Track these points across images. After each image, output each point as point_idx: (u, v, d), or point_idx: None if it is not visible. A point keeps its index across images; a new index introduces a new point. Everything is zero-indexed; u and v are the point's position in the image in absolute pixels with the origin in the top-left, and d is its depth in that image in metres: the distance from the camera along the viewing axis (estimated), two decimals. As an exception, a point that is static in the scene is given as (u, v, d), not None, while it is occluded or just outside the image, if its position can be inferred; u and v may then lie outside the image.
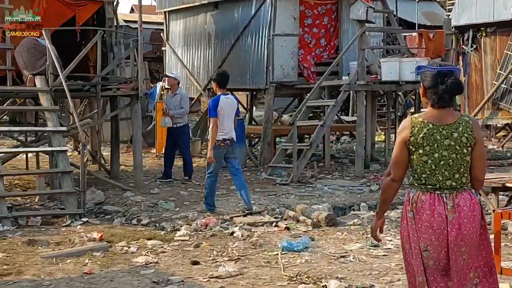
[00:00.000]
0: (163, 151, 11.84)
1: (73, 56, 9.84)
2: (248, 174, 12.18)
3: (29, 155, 11.52)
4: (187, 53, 15.95)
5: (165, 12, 16.95)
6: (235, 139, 8.74)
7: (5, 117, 18.43)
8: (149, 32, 29.25)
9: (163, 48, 17.85)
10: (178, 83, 11.46)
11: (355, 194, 10.19)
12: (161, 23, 18.40)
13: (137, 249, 6.81)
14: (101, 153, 12.97)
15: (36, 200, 9.32)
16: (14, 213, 8.00)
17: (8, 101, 12.46)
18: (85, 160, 8.38)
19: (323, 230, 7.75)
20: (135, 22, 32.79)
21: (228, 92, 9.01)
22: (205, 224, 7.96)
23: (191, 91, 15.76)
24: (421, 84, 3.80)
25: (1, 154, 8.39)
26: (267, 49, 13.03)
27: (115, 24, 11.61)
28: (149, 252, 6.70)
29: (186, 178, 11.11)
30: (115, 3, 11.33)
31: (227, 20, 14.50)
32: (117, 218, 8.41)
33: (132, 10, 41.56)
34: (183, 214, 8.47)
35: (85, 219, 8.09)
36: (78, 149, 15.16)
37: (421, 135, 3.68)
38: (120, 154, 12.05)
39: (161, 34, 17.46)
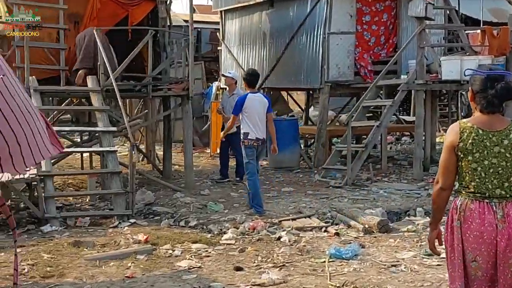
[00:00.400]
0: (218, 151, 11.73)
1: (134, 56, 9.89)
2: (301, 175, 11.96)
3: (84, 154, 11.65)
4: (242, 53, 15.83)
5: (221, 12, 16.89)
6: (265, 138, 8.79)
7: (68, 116, 18.83)
8: (208, 32, 29.55)
9: (219, 48, 17.82)
10: (236, 83, 11.27)
11: (412, 198, 9.78)
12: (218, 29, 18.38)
13: (181, 253, 6.70)
14: (156, 153, 13.00)
15: (87, 200, 9.37)
16: (62, 214, 8.04)
17: (67, 101, 12.67)
18: (134, 160, 8.33)
19: (374, 237, 7.44)
20: (195, 22, 33.14)
21: (257, 90, 9.08)
22: (252, 228, 7.80)
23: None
24: (470, 88, 3.61)
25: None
26: (322, 48, 12.74)
27: (169, 23, 11.59)
28: (193, 256, 6.58)
29: (238, 179, 10.95)
30: (168, 2, 11.30)
31: (282, 18, 14.29)
32: (165, 219, 8.34)
33: (193, 10, 42.16)
34: (231, 217, 8.32)
35: (132, 220, 8.05)
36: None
37: (470, 141, 3.48)
38: (174, 154, 12.07)
39: (217, 33, 17.39)
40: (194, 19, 30.63)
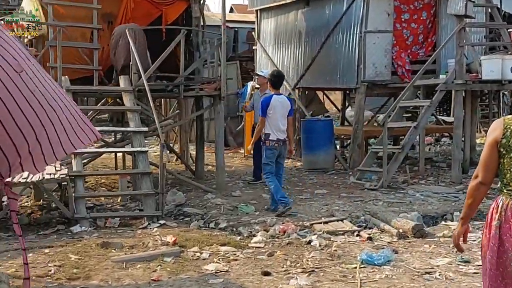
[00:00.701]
0: (252, 152, 11.55)
1: (168, 56, 9.84)
2: (335, 177, 11.75)
3: (118, 154, 11.67)
4: (277, 52, 15.68)
5: (256, 11, 16.75)
6: (287, 140, 8.77)
7: (105, 115, 18.96)
8: (245, 31, 29.44)
9: (254, 47, 17.70)
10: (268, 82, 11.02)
11: (450, 201, 9.48)
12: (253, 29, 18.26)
13: (209, 256, 6.59)
14: (190, 153, 12.96)
15: (118, 200, 9.36)
16: (92, 214, 8.02)
17: (103, 101, 12.72)
18: (164, 161, 8.26)
19: (409, 242, 7.20)
20: (233, 21, 33.06)
21: (281, 92, 9.11)
22: (282, 231, 7.64)
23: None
24: None
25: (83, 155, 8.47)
26: (358, 47, 12.50)
27: (202, 23, 11.52)
28: (220, 259, 6.45)
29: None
30: (201, 2, 11.23)
31: (318, 17, 14.09)
32: (195, 221, 8.26)
33: (231, 10, 42.06)
34: (261, 219, 8.19)
35: (162, 222, 7.98)
36: (170, 148, 15.38)
37: None
38: (208, 154, 11.99)
39: (253, 33, 17.28)
40: (231, 19, 30.63)
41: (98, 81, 9.98)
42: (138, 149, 8.50)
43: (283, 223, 7.92)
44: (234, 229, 7.90)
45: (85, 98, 14.01)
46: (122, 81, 9.32)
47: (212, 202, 9.07)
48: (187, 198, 9.34)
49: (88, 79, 10.01)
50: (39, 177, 7.56)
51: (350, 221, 8.17)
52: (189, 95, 10.18)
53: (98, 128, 10.32)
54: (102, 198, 9.43)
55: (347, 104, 16.12)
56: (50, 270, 5.93)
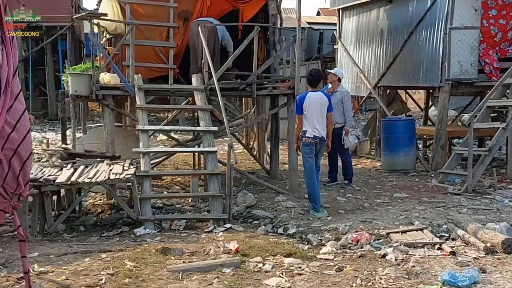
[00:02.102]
0: (327, 153, 10.43)
1: (249, 55, 8.99)
2: (416, 179, 10.46)
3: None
4: (358, 51, 14.45)
5: (338, 10, 15.58)
6: (325, 137, 8.03)
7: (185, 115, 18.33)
8: (330, 32, 28.31)
9: (335, 47, 16.55)
10: (339, 80, 9.91)
11: (544, 210, 8.04)
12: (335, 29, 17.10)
13: (271, 267, 5.62)
14: (267, 151, 12.02)
15: (189, 200, 8.57)
16: (157, 216, 7.24)
17: (186, 100, 12.05)
18: (232, 161, 7.37)
19: (498, 258, 5.93)
20: (319, 23, 31.85)
21: (317, 89, 8.17)
22: (355, 240, 6.56)
23: (361, 90, 14.25)
24: None
25: (152, 155, 7.74)
26: (443, 44, 11.10)
27: (280, 21, 10.54)
28: (284, 273, 5.47)
29: (346, 182, 9.70)
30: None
31: (400, 14, 12.76)
32: (263, 225, 7.33)
33: (318, 13, 40.88)
34: (333, 226, 7.12)
35: (228, 225, 7.09)
36: (250, 146, 14.51)
37: None
38: (285, 153, 11.02)
39: (335, 32, 16.11)
40: (317, 21, 29.28)
41: (174, 80, 9.27)
42: (207, 149, 7.66)
43: (356, 231, 6.83)
44: (303, 236, 6.91)
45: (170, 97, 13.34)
46: (194, 80, 8.52)
47: (282, 205, 8.08)
48: (258, 199, 8.42)
49: (165, 78, 9.29)
50: (104, 177, 6.88)
51: (431, 231, 6.96)
52: (262, 94, 9.22)
53: (167, 127, 9.56)
54: (174, 198, 8.67)
55: (430, 103, 14.67)
56: (101, 279, 5.16)
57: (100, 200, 8.50)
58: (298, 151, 8.22)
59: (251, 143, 14.37)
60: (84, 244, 6.35)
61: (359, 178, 10.32)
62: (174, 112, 12.60)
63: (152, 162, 9.66)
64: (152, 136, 12.34)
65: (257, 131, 12.43)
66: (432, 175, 10.69)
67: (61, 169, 7.40)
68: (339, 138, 9.40)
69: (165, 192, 8.65)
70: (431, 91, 13.92)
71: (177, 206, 8.30)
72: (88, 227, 7.18)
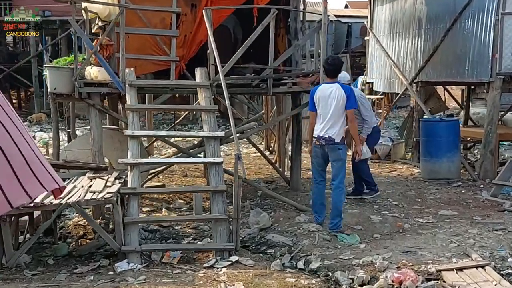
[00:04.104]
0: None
1: (266, 46, 7.40)
2: (462, 191, 8.75)
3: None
4: (392, 43, 12.72)
5: (369, -2, 13.87)
6: (335, 138, 6.36)
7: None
8: (359, 26, 26.64)
9: (366, 38, 14.85)
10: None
11: None
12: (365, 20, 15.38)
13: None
14: (288, 155, 10.41)
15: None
16: (145, 246, 5.65)
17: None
18: (240, 175, 5.79)
19: None
20: (346, 16, 30.16)
21: (335, 80, 6.49)
22: (397, 281, 4.97)
23: (395, 86, 12.53)
24: None
25: (143, 167, 6.18)
26: (493, 32, 9.33)
27: (302, 6, 8.92)
28: (302, 339, 3.91)
29: (366, 191, 7.96)
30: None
31: (441, 0, 11.01)
32: (279, 256, 5.77)
33: (346, 6, 39.05)
34: (368, 259, 5.51)
35: (234, 258, 5.52)
36: (270, 148, 12.94)
37: None
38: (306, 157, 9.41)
39: (366, 22, 14.39)
40: (344, 14, 27.60)
41: (179, 75, 7.76)
42: (211, 159, 6.10)
43: (398, 268, 5.23)
44: (330, 274, 5.32)
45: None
46: (198, 75, 6.98)
47: (304, 228, 6.46)
48: (274, 219, 6.84)
49: (169, 72, 7.76)
50: (79, 196, 5.39)
51: (494, 267, 5.31)
52: (279, 91, 7.59)
53: (162, 133, 8.04)
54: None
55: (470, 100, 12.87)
56: None
57: (83, 221, 7.01)
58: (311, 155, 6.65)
59: (272, 145, 12.81)
60: (47, 286, 4.86)
61: (396, 189, 8.66)
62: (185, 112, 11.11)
63: (154, 170, 8.18)
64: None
65: (278, 132, 10.86)
66: (481, 186, 8.99)
67: (33, 184, 5.93)
68: (370, 142, 7.69)
69: (157, 214, 7.00)
70: (472, 87, 12.17)
71: (175, 228, 6.75)
72: (59, 259, 5.69)
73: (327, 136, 6.39)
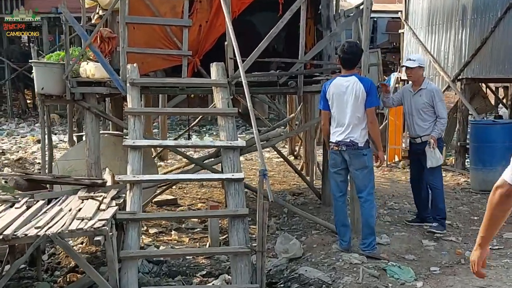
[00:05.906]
0: (410, 180, 7.13)
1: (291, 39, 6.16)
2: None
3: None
4: (431, 36, 11.37)
5: (404, -13, 12.52)
6: (359, 142, 5.22)
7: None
8: (385, 21, 25.40)
9: (400, 31, 13.52)
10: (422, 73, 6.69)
11: None
12: (398, 12, 14.03)
13: None
14: (316, 163, 9.17)
15: (207, 245, 5.83)
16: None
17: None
18: (265, 197, 4.56)
19: None
20: (372, 11, 29.07)
21: (352, 73, 5.32)
22: None
23: (435, 83, 11.15)
24: None
25: (144, 184, 4.95)
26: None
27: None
28: None
29: (435, 225, 6.16)
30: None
31: (490, -14, 9.66)
32: (314, 299, 4.54)
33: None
34: (429, 307, 4.26)
35: (258, 303, 4.31)
36: (295, 153, 11.69)
37: None
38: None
39: (400, 14, 13.01)
40: (374, 9, 26.25)
41: (193, 72, 6.58)
42: (229, 176, 4.88)
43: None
44: (383, 328, 4.07)
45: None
46: (214, 71, 5.76)
47: (344, 259, 5.20)
48: (306, 246, 5.60)
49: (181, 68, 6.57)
50: (62, 225, 4.21)
51: None
52: (311, 90, 6.31)
53: (169, 142, 6.85)
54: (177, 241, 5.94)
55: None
56: None
57: (82, 243, 5.85)
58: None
59: (297, 149, 11.57)
60: None
61: (458, 213, 7.25)
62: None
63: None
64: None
65: (304, 136, 9.62)
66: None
67: (12, 206, 4.80)
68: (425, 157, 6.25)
69: (161, 247, 5.71)
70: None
71: (186, 258, 5.53)
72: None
73: (348, 140, 5.23)
